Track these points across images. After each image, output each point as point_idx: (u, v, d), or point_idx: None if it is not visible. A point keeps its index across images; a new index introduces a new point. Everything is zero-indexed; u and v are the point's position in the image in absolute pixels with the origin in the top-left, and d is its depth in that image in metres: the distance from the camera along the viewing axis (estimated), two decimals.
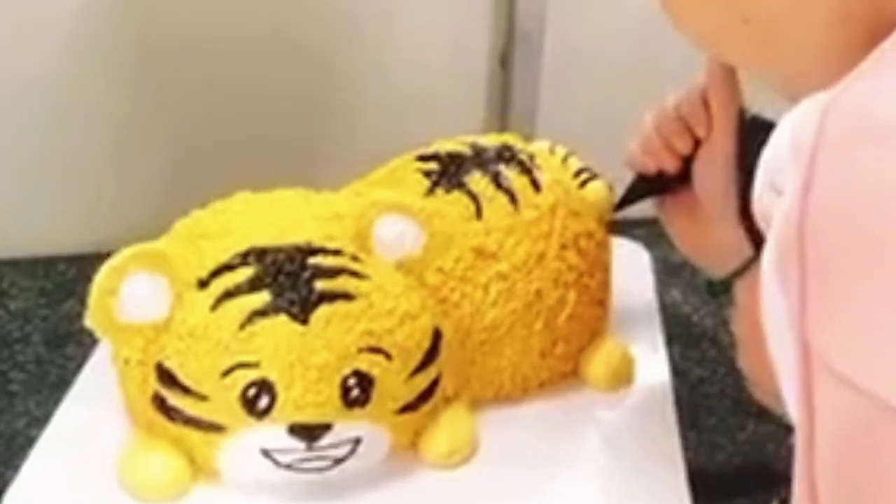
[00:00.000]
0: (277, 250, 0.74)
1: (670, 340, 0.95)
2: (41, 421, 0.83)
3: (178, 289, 0.73)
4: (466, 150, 0.86)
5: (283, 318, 0.71)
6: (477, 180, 0.83)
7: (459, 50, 1.23)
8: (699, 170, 0.78)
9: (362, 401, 0.73)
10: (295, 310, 0.71)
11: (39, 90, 1.15)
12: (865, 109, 0.42)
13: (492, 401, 0.83)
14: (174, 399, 0.73)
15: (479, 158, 0.85)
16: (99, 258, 0.73)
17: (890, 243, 0.39)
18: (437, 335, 0.77)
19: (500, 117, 1.25)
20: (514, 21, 1.20)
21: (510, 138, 0.90)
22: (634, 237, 1.06)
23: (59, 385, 0.87)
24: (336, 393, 0.71)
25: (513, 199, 0.83)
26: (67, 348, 1.01)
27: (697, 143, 0.78)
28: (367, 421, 0.74)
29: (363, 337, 0.72)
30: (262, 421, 0.71)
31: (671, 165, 0.79)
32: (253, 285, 0.72)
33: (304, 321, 0.71)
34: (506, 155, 0.86)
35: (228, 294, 0.72)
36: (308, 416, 0.71)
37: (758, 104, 0.75)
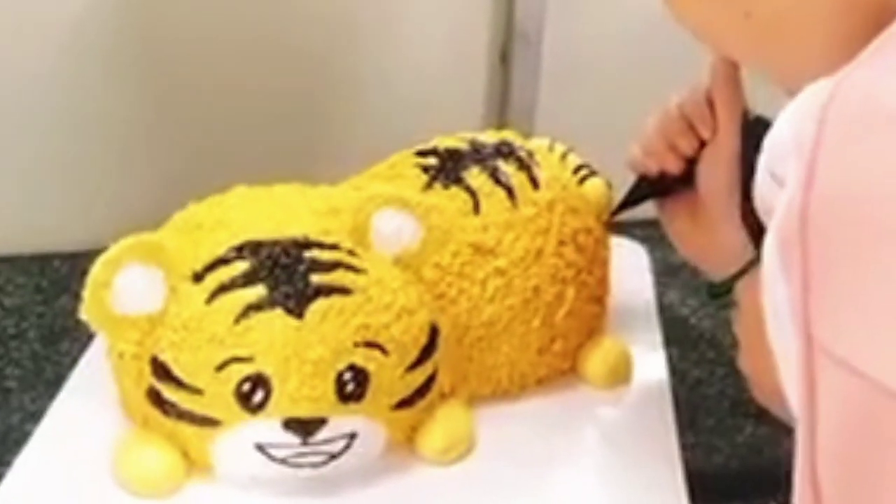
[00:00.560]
0: (273, 244, 0.73)
1: (669, 342, 0.94)
2: (36, 417, 0.82)
3: (174, 281, 0.72)
4: (465, 146, 0.86)
5: (278, 312, 0.70)
6: (475, 176, 0.83)
7: (459, 48, 1.23)
8: (703, 170, 0.78)
9: (358, 396, 0.72)
10: (290, 304, 0.71)
11: (36, 88, 1.15)
12: (867, 97, 0.42)
13: (489, 397, 0.83)
14: (168, 393, 0.72)
15: (478, 154, 0.85)
16: (95, 255, 0.72)
17: (893, 230, 0.39)
18: (433, 331, 0.76)
19: (500, 116, 1.25)
20: (513, 20, 1.21)
21: (509, 135, 0.90)
22: (634, 238, 1.05)
23: (55, 381, 0.87)
24: (331, 388, 0.71)
25: (511, 194, 0.82)
26: (63, 345, 1.01)
27: (701, 144, 0.78)
28: (363, 416, 0.73)
29: (359, 331, 0.72)
30: (256, 415, 0.71)
31: (674, 166, 0.79)
32: (248, 279, 0.72)
33: (300, 315, 0.71)
34: (504, 151, 0.85)
35: (223, 287, 0.72)
36: (303, 411, 0.71)
37: (759, 104, 0.75)
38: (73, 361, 0.88)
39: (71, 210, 1.19)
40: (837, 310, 0.40)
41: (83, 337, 0.86)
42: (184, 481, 0.74)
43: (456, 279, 0.79)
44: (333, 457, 0.73)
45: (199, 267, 0.73)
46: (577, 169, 0.90)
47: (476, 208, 0.81)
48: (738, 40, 0.59)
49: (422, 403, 0.76)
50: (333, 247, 0.74)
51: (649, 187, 0.82)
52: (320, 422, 0.71)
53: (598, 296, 0.87)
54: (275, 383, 0.70)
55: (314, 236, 0.74)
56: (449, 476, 0.77)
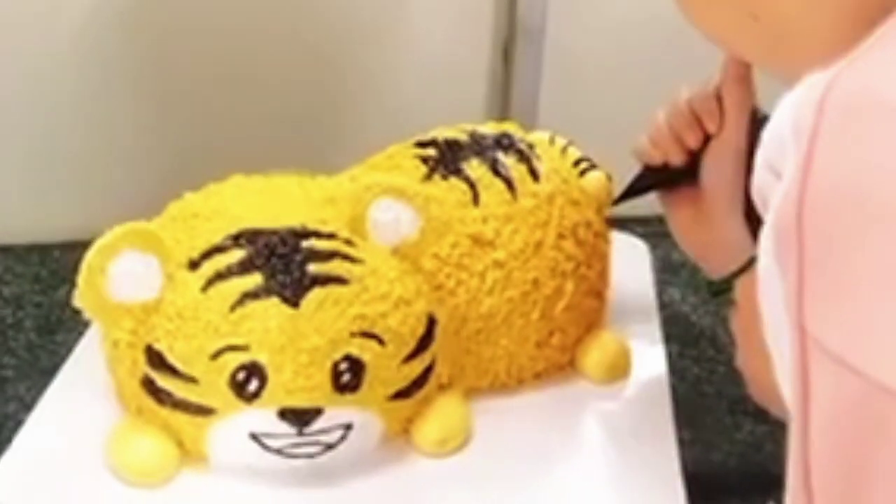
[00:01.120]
0: (270, 233, 0.73)
1: (669, 339, 0.94)
2: (32, 407, 0.82)
3: (169, 269, 0.72)
4: (465, 138, 0.85)
5: (274, 301, 0.70)
6: (475, 167, 0.82)
7: (462, 43, 1.23)
8: (708, 164, 0.78)
9: (354, 386, 0.72)
10: (287, 293, 0.70)
11: (36, 80, 1.14)
12: (865, 87, 0.42)
13: (486, 390, 0.82)
14: (163, 381, 0.72)
15: (478, 146, 0.84)
16: None
17: (889, 222, 0.39)
18: (431, 322, 0.76)
19: (502, 110, 1.24)
20: (515, 15, 1.20)
21: (509, 127, 0.89)
22: (635, 234, 1.05)
23: (51, 371, 0.86)
24: (327, 378, 0.71)
25: (510, 186, 0.82)
26: (60, 335, 1.01)
27: (707, 139, 0.78)
28: (359, 407, 0.73)
29: (356, 321, 0.71)
30: (251, 405, 0.71)
31: (678, 159, 0.79)
32: (244, 267, 0.71)
33: (296, 304, 0.70)
34: (504, 143, 0.85)
35: (219, 276, 0.71)
36: (298, 401, 0.71)
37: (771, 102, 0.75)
38: (70, 352, 0.88)
39: (71, 200, 1.19)
40: (832, 303, 0.40)
41: (81, 327, 0.86)
42: (178, 471, 0.74)
43: (454, 271, 0.79)
44: (329, 447, 0.73)
45: (195, 255, 0.73)
46: (578, 162, 0.89)
47: (475, 200, 0.81)
48: (747, 42, 0.59)
49: (418, 395, 0.76)
50: (330, 236, 0.74)
51: (653, 178, 0.82)
52: (316, 412, 0.71)
53: (597, 290, 0.86)
54: (270, 372, 0.70)
55: (311, 225, 0.74)
56: (445, 468, 0.76)
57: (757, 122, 0.75)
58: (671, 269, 1.10)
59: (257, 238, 0.73)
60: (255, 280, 0.71)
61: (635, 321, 0.92)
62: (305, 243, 0.73)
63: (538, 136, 0.90)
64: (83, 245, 0.72)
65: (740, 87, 0.76)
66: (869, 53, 0.43)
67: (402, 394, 0.75)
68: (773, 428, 0.90)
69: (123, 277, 0.71)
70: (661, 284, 1.05)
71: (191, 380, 0.71)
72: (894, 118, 0.40)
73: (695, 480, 0.77)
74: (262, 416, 0.71)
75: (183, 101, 1.19)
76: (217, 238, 0.73)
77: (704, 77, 0.78)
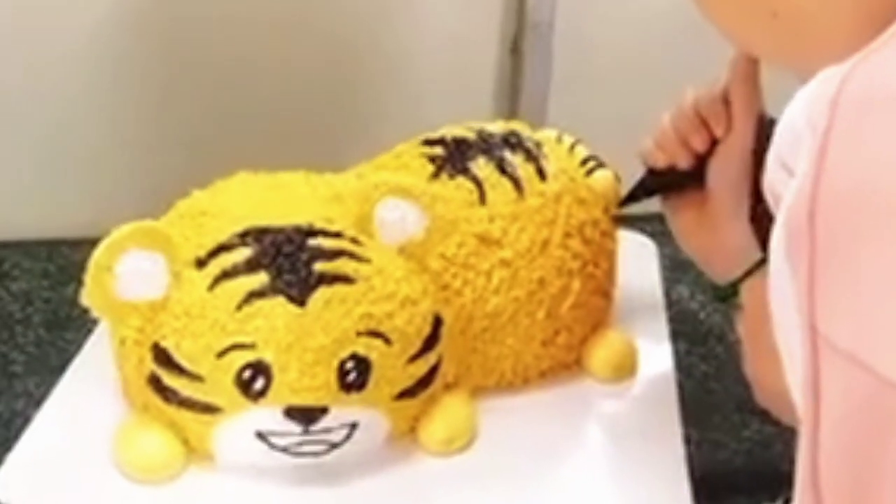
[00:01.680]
0: (277, 231, 0.73)
1: (677, 337, 0.94)
2: (40, 402, 0.82)
3: (176, 267, 0.72)
4: (472, 136, 0.85)
5: (280, 300, 0.70)
6: (482, 166, 0.82)
7: (470, 39, 1.23)
8: (715, 167, 0.77)
9: (360, 385, 0.72)
10: (293, 291, 0.70)
11: (46, 76, 1.14)
12: (881, 82, 0.42)
13: (492, 389, 0.82)
14: (169, 379, 0.72)
15: (485, 144, 0.84)
16: None
17: None
18: (437, 321, 0.76)
19: (511, 107, 1.24)
20: (525, 10, 1.20)
21: (517, 125, 0.89)
22: (644, 233, 1.05)
23: (59, 367, 0.87)
24: (333, 376, 0.71)
25: (517, 185, 0.82)
26: (68, 331, 1.01)
27: (713, 142, 0.77)
28: (365, 406, 0.73)
29: (362, 320, 0.71)
30: (257, 403, 0.71)
31: (684, 162, 0.79)
32: (251, 266, 0.71)
33: (302, 303, 0.70)
34: (512, 141, 0.85)
35: (226, 274, 0.71)
36: (304, 400, 0.70)
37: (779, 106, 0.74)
38: (79, 348, 0.88)
39: (80, 196, 1.19)
40: (843, 299, 0.40)
41: (89, 324, 0.86)
42: (184, 468, 0.74)
43: (461, 270, 0.79)
44: (334, 446, 0.73)
45: (202, 253, 0.73)
46: (585, 160, 0.89)
47: (482, 199, 0.81)
48: (764, 39, 0.59)
49: (424, 394, 0.76)
50: (337, 235, 0.74)
51: (657, 181, 0.81)
52: (321, 410, 0.71)
53: (604, 289, 0.86)
54: (276, 371, 0.70)
55: (318, 224, 0.74)
56: (450, 468, 0.76)
57: (764, 125, 0.75)
58: (679, 267, 1.10)
59: (264, 236, 0.73)
60: (261, 279, 0.71)
61: (642, 320, 0.92)
62: (312, 242, 0.73)
63: (546, 135, 0.90)
64: (92, 241, 0.73)
65: (748, 89, 0.75)
66: (884, 48, 0.43)
67: (407, 393, 0.75)
68: (780, 427, 0.89)
69: (130, 276, 0.71)
70: (670, 283, 1.05)
71: (197, 378, 0.71)
72: None
73: (702, 479, 0.76)
74: (268, 415, 0.71)
75: (192, 99, 1.19)
76: (224, 236, 0.73)
77: (716, 73, 0.78)
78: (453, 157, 0.83)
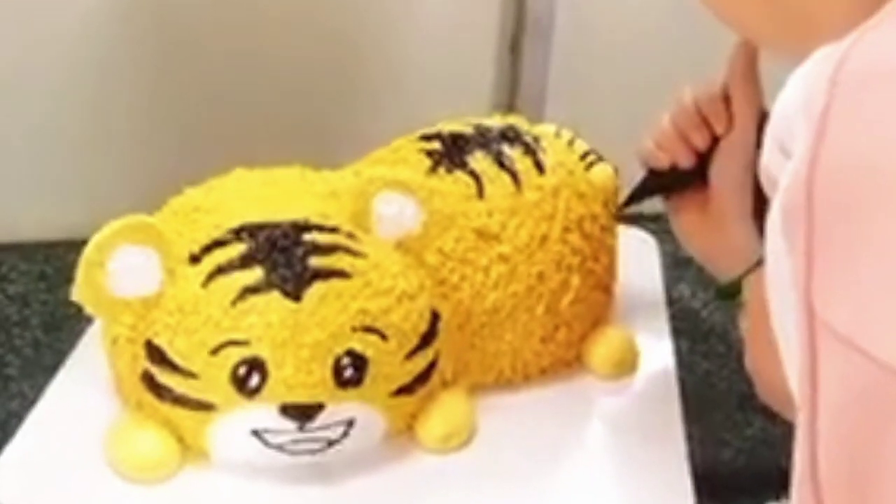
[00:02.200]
0: (271, 226, 0.72)
1: (678, 335, 0.93)
2: (36, 404, 0.81)
3: (170, 264, 0.71)
4: (470, 131, 0.85)
5: (275, 295, 0.69)
6: (480, 160, 0.82)
7: (469, 36, 1.23)
8: (717, 165, 0.77)
9: (356, 381, 0.71)
10: (288, 287, 0.70)
11: (40, 76, 1.14)
12: (879, 59, 0.41)
13: (491, 386, 0.82)
14: (163, 377, 0.71)
15: (483, 138, 0.84)
16: None
17: None
18: (435, 317, 0.75)
19: (509, 104, 1.24)
20: (524, 7, 1.20)
21: (515, 120, 0.89)
22: (645, 230, 1.04)
23: (56, 369, 0.86)
24: (329, 373, 0.70)
25: (516, 179, 0.81)
26: (65, 333, 1.00)
27: (714, 140, 0.77)
28: (361, 402, 0.72)
29: (358, 316, 0.71)
30: (252, 400, 0.70)
31: (685, 160, 0.78)
32: (245, 261, 0.71)
33: (297, 298, 0.69)
34: (510, 135, 0.84)
35: (220, 270, 0.71)
36: (300, 396, 0.70)
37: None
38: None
39: (76, 197, 1.18)
40: (840, 280, 0.39)
41: (86, 325, 0.86)
42: (179, 467, 0.73)
43: (459, 265, 0.78)
44: (331, 443, 0.72)
45: (195, 249, 0.72)
46: (584, 155, 0.88)
47: (480, 193, 0.80)
48: (765, 24, 0.59)
49: (422, 391, 0.75)
50: (333, 230, 0.73)
51: (658, 181, 0.81)
52: (318, 407, 0.70)
53: (604, 284, 0.85)
54: (271, 367, 0.69)
55: (313, 219, 0.73)
56: (448, 465, 0.76)
57: (765, 121, 0.74)
58: (682, 264, 1.09)
59: (258, 232, 0.72)
60: (256, 274, 0.70)
61: (643, 316, 0.91)
62: (307, 237, 0.72)
63: (544, 129, 0.90)
64: (88, 242, 0.72)
65: (747, 85, 0.75)
66: (881, 25, 0.43)
67: (405, 389, 0.74)
68: (783, 425, 0.89)
69: (123, 272, 0.71)
70: (671, 280, 1.05)
71: (191, 375, 0.70)
72: None
73: (703, 477, 0.76)
74: (264, 412, 0.70)
75: (187, 96, 1.19)
76: (218, 232, 0.72)
77: (715, 70, 0.77)
78: (451, 151, 0.82)
